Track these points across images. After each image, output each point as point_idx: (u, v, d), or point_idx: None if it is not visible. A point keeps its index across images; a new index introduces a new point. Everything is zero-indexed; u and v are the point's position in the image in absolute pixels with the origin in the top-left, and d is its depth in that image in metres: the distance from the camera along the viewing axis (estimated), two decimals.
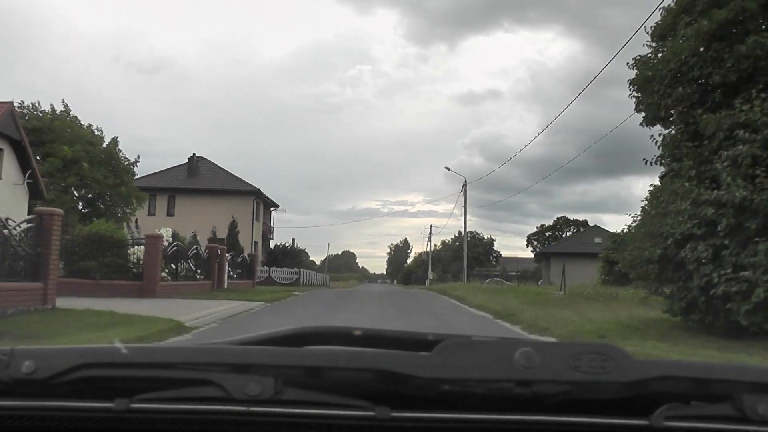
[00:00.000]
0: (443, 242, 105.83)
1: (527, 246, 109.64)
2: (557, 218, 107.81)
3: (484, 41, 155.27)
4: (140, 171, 33.57)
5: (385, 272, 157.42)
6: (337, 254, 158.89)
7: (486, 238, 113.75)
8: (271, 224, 53.53)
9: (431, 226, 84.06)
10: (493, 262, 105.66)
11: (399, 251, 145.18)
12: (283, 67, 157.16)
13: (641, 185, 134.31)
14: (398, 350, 0.99)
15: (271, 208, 53.00)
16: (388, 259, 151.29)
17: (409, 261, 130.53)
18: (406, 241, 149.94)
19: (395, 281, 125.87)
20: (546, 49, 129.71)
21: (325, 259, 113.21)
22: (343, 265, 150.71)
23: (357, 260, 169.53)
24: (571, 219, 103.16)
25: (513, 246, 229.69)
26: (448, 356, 0.92)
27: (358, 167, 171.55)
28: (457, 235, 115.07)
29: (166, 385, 0.91)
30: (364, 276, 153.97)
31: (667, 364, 0.98)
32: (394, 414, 0.89)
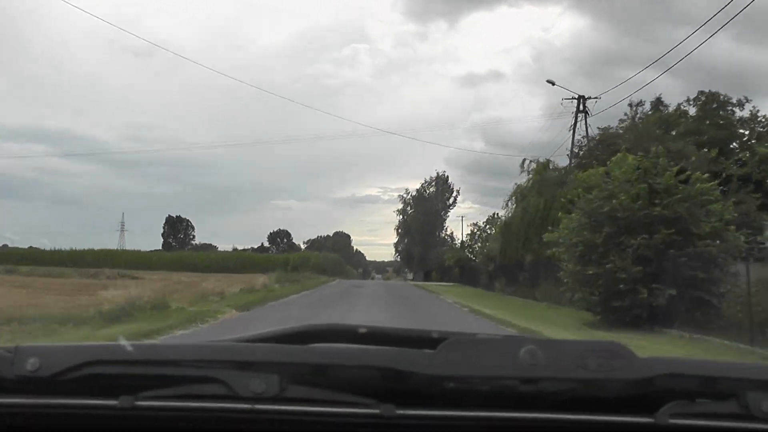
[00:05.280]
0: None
1: None
2: None
3: (487, 17, 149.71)
4: None
5: (394, 254, 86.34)
6: (327, 235, 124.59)
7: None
8: None
9: None
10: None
11: (423, 205, 73.86)
12: (280, 47, 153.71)
13: None
14: (403, 348, 0.99)
15: None
16: (399, 223, 77.54)
17: (452, 229, 71.79)
18: (442, 178, 76.47)
19: (413, 275, 71.65)
20: (552, 26, 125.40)
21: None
22: (331, 247, 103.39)
23: (353, 244, 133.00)
24: None
25: None
26: (452, 354, 0.92)
27: (357, 152, 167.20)
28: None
29: (171, 382, 0.90)
30: (358, 264, 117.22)
31: (673, 362, 0.98)
32: (399, 411, 0.89)
